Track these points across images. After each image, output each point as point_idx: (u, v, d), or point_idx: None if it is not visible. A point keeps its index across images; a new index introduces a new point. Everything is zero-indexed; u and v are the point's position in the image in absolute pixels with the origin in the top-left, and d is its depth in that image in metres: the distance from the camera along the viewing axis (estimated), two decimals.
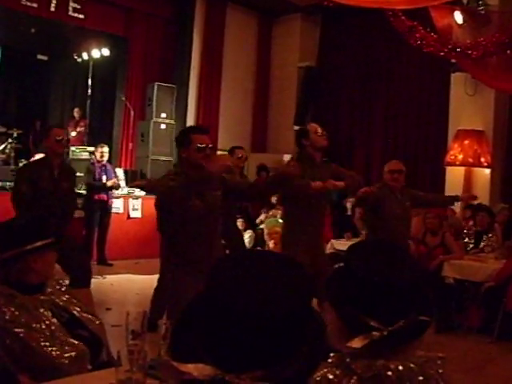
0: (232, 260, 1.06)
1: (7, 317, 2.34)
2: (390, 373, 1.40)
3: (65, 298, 2.56)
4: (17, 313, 2.36)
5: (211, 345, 0.99)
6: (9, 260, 2.44)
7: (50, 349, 2.34)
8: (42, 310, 2.43)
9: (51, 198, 5.11)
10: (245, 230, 9.10)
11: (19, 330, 2.33)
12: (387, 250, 1.53)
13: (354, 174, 4.96)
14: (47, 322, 2.40)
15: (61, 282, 2.65)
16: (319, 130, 4.65)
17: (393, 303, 1.43)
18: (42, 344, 2.33)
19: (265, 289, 0.98)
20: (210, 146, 3.74)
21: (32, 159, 8.16)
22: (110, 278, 7.88)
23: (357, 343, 1.41)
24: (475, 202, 7.57)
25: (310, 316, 1.03)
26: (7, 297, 2.39)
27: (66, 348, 2.37)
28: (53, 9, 10.14)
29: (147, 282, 6.86)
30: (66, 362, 2.33)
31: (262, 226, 9.36)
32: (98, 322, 2.61)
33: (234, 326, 0.96)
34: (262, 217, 9.48)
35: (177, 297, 3.69)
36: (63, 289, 2.61)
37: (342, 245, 7.41)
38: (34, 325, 2.37)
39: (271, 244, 8.43)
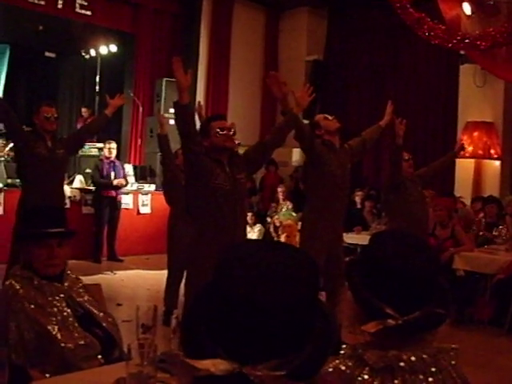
0: (241, 250, 1.05)
1: (21, 291, 2.39)
2: (402, 364, 1.39)
3: (82, 297, 2.57)
4: (32, 293, 2.40)
5: (223, 338, 0.98)
6: (27, 240, 2.50)
7: (56, 328, 2.35)
8: (57, 298, 2.45)
9: (48, 163, 5.19)
10: (254, 224, 9.09)
11: (30, 305, 2.37)
12: (409, 240, 1.53)
13: (364, 134, 5.05)
14: (60, 309, 2.43)
15: (79, 280, 2.66)
16: (328, 116, 4.76)
17: (410, 293, 1.44)
18: (49, 327, 2.34)
19: (273, 279, 0.98)
20: (230, 128, 3.78)
21: None
22: (121, 273, 7.92)
23: (371, 327, 1.41)
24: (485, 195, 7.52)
25: (317, 307, 1.02)
26: (25, 279, 2.44)
27: (75, 335, 2.39)
28: (60, 6, 10.16)
29: (157, 277, 6.88)
30: (72, 346, 2.33)
31: (269, 220, 9.33)
32: (110, 320, 2.61)
33: (243, 318, 0.96)
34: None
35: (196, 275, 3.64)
36: (80, 287, 2.61)
37: (352, 239, 7.38)
38: (47, 307, 2.40)
39: (283, 237, 8.41)
